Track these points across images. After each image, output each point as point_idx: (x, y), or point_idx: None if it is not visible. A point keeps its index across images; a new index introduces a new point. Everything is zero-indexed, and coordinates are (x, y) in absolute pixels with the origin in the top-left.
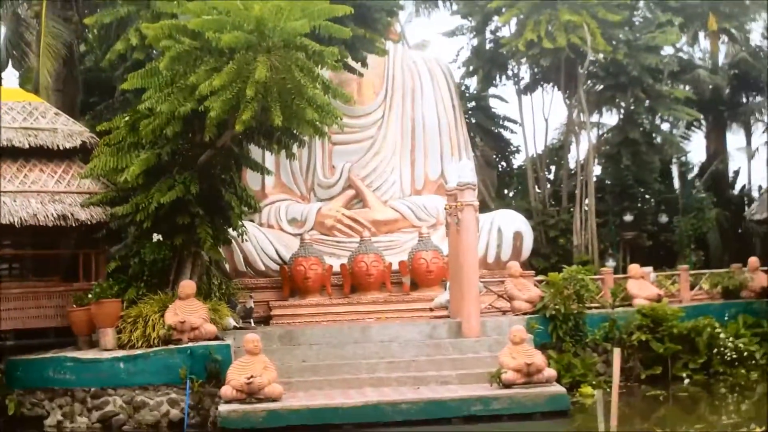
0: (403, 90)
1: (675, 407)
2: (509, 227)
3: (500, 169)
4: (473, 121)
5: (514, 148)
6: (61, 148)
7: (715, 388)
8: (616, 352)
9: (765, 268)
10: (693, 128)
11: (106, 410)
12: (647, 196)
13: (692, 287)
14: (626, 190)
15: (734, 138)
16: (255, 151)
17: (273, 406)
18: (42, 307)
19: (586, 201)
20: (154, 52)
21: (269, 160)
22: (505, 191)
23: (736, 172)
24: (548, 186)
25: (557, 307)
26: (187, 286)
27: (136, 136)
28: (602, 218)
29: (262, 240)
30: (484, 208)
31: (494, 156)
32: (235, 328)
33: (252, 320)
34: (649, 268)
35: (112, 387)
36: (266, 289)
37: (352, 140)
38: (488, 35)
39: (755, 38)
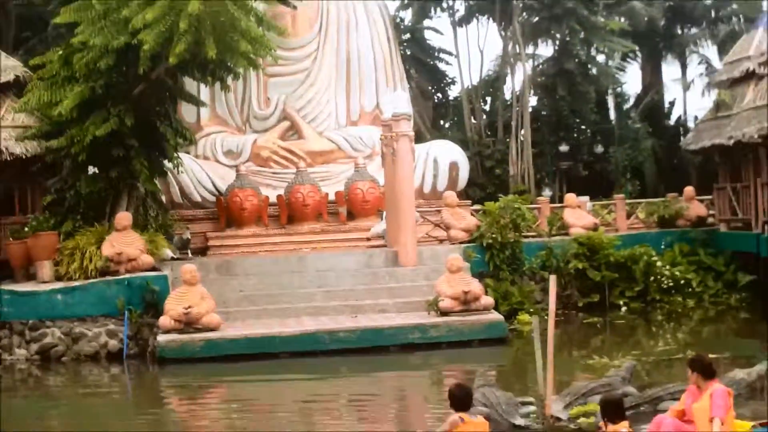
0: (338, 22)
1: (612, 334)
2: (445, 157)
3: (436, 101)
4: (408, 53)
5: (450, 80)
6: None
7: (652, 315)
8: (553, 279)
9: (700, 198)
10: (628, 59)
11: (44, 342)
12: (583, 127)
13: (628, 216)
14: (562, 120)
15: (670, 69)
16: (190, 84)
17: (211, 335)
18: None
19: (522, 132)
20: None
21: (204, 92)
22: (441, 122)
23: (672, 103)
24: (484, 117)
25: (494, 236)
26: (124, 217)
27: (69, 70)
28: (538, 148)
29: (198, 172)
30: (420, 138)
31: (430, 87)
32: (172, 259)
33: (189, 251)
34: (586, 198)
35: (50, 319)
36: (203, 221)
37: (287, 72)
38: None
39: None
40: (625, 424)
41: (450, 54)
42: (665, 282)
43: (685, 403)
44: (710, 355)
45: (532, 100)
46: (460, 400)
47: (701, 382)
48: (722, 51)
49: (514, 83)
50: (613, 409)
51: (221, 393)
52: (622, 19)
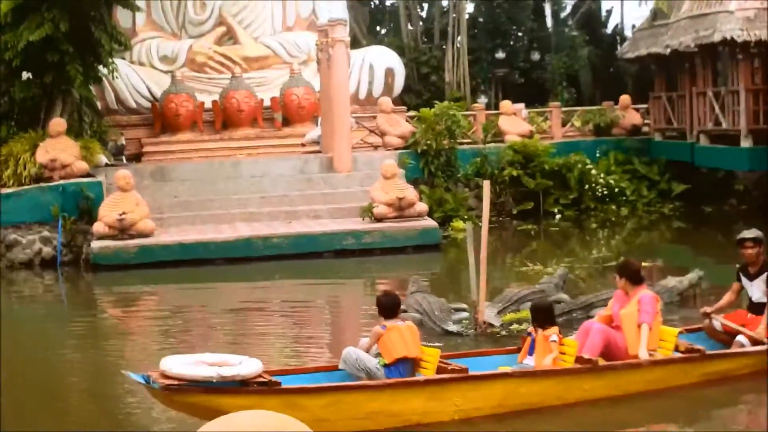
0: None
1: (546, 242)
2: (381, 64)
3: (372, 7)
4: None
5: None
6: None
7: (586, 223)
8: (486, 186)
9: (636, 106)
10: None
11: None
12: (520, 34)
13: (564, 124)
14: (499, 27)
15: None
16: None
17: (145, 242)
18: None
19: (459, 38)
20: None
21: None
22: (378, 28)
23: (609, 11)
24: (421, 23)
25: (429, 142)
26: (58, 123)
27: None
28: (474, 55)
29: (133, 77)
30: (356, 44)
31: None
32: (106, 165)
33: (124, 157)
34: (521, 105)
35: None
36: (138, 127)
37: None
38: None
39: None
40: (554, 329)
41: None
42: (599, 190)
43: (612, 308)
44: (644, 263)
45: (469, 7)
46: (388, 307)
47: (629, 287)
48: None
49: None
50: (543, 315)
51: (155, 298)
52: None
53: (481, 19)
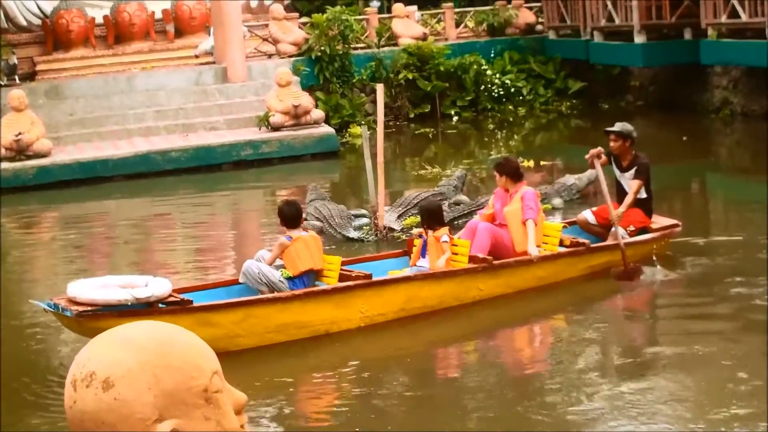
0: None
1: (444, 144)
2: None
3: None
4: None
5: None
6: None
7: (484, 124)
8: (380, 88)
9: (529, 5)
10: None
11: None
12: None
13: (457, 25)
14: None
15: None
16: None
17: (42, 162)
18: None
19: None
20: None
21: None
22: None
23: None
24: None
25: (323, 48)
26: None
27: None
28: None
29: None
30: None
31: None
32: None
33: (16, 77)
34: (414, 7)
35: None
36: (29, 45)
37: None
38: None
39: None
40: (445, 230)
41: None
42: (496, 91)
43: (494, 206)
44: (542, 162)
45: None
46: (291, 217)
47: (510, 185)
48: None
49: None
50: (432, 216)
51: (56, 218)
52: None
53: None
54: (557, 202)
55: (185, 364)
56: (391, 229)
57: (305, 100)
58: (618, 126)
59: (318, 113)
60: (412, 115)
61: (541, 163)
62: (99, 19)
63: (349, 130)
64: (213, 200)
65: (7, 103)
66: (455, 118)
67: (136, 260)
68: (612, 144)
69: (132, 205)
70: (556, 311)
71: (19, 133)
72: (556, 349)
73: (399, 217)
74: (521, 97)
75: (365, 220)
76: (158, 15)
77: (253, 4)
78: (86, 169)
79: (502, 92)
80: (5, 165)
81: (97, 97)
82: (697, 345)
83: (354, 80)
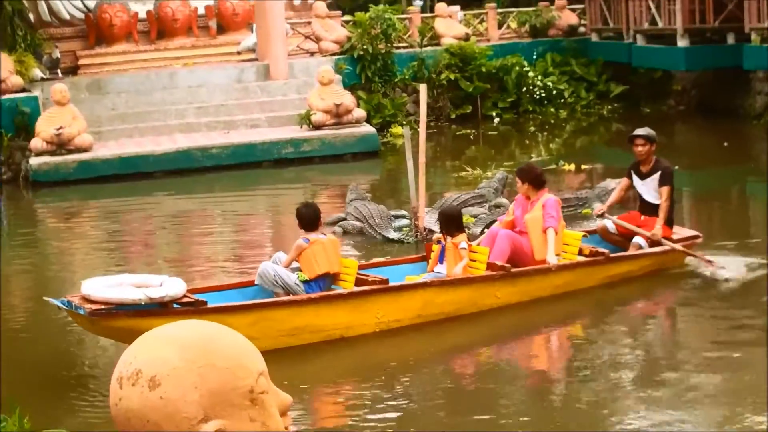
0: None
1: (485, 146)
2: None
3: None
4: None
5: None
6: None
7: (525, 126)
8: (423, 88)
9: (572, 6)
10: None
11: None
12: None
13: (500, 26)
14: None
15: None
16: None
17: (83, 156)
18: None
19: None
20: None
21: None
22: None
23: None
24: None
25: (365, 47)
26: None
27: None
28: None
29: None
30: None
31: None
32: (42, 79)
33: (59, 70)
34: (456, 7)
35: None
36: (72, 39)
37: None
38: None
39: None
40: (463, 236)
41: None
42: (537, 92)
43: (515, 213)
44: (583, 166)
45: None
46: (309, 219)
47: (531, 192)
48: None
49: None
50: (451, 222)
51: (95, 213)
52: None
53: None
54: (597, 206)
55: (231, 364)
56: (431, 231)
57: (347, 99)
58: (643, 130)
59: (359, 112)
60: (453, 116)
61: (582, 167)
62: (142, 14)
63: (390, 129)
64: (252, 198)
65: (50, 97)
66: (496, 120)
67: (171, 256)
68: (640, 149)
69: (171, 201)
70: (574, 318)
71: (61, 127)
72: (574, 356)
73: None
74: (563, 100)
75: (405, 221)
76: (201, 11)
77: (296, 1)
78: (127, 165)
79: (543, 94)
80: (46, 159)
81: (139, 92)
82: (720, 352)
83: (396, 80)
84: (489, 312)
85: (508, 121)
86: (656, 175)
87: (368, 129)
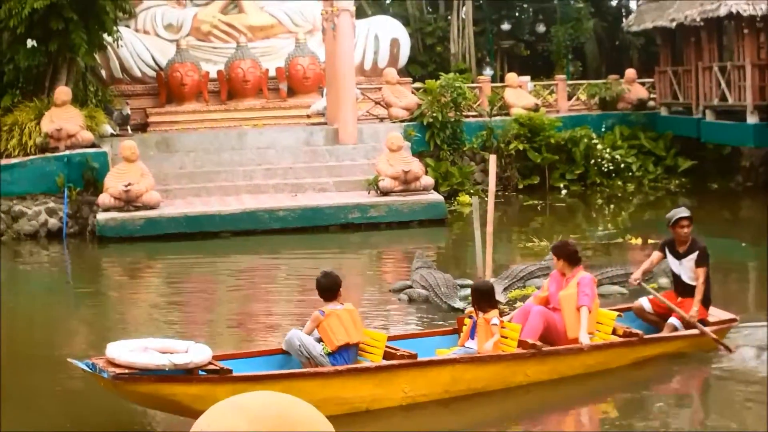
0: None
1: (551, 217)
2: (386, 34)
3: None
4: None
5: None
6: None
7: (592, 198)
8: (493, 159)
9: (641, 80)
10: None
11: None
12: (525, 5)
13: (569, 97)
14: None
15: None
16: None
17: (150, 213)
18: None
19: (464, 9)
20: None
21: None
22: None
23: None
24: None
25: (435, 114)
26: (63, 92)
27: None
28: (480, 26)
29: (137, 46)
30: (361, 14)
31: None
32: (111, 135)
33: (129, 127)
34: (527, 78)
35: None
36: (143, 96)
37: None
38: None
39: None
40: (495, 312)
41: None
42: (605, 165)
43: (549, 289)
44: (650, 240)
45: None
46: (326, 289)
47: (567, 269)
48: None
49: None
50: (483, 298)
51: (159, 270)
52: None
53: None
54: (664, 281)
55: None
56: (497, 301)
57: (415, 165)
58: (686, 211)
59: (427, 180)
60: (520, 186)
61: (649, 241)
62: (213, 74)
63: (457, 198)
64: (317, 262)
65: (119, 153)
66: (564, 191)
67: (230, 315)
68: (685, 230)
69: (236, 261)
70: (605, 397)
71: (129, 184)
72: None
73: (505, 289)
74: (630, 173)
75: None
76: (272, 73)
77: (367, 66)
78: (193, 223)
79: (611, 167)
80: (113, 215)
81: (208, 151)
82: None
83: (464, 148)
84: (518, 389)
85: (576, 192)
86: (693, 255)
87: (435, 197)
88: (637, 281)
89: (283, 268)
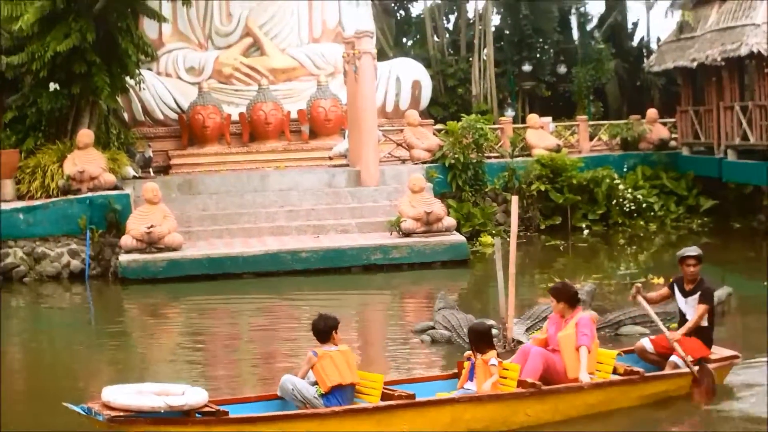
0: None
1: (574, 257)
2: (408, 76)
3: (398, 18)
4: None
5: None
6: None
7: (614, 238)
8: (514, 200)
9: (663, 120)
10: None
11: (6, 262)
12: (546, 47)
13: (591, 138)
14: (525, 39)
15: None
16: None
17: (173, 255)
18: None
19: (485, 50)
20: None
21: (166, 7)
22: (404, 40)
23: (635, 24)
24: (447, 35)
25: (456, 155)
26: (86, 135)
27: None
28: (501, 68)
29: (159, 88)
30: (382, 56)
31: (392, 4)
32: (134, 177)
33: (151, 169)
34: (548, 119)
35: (12, 239)
36: (165, 138)
37: None
38: None
39: None
40: (493, 353)
41: None
42: (627, 205)
43: (548, 331)
44: (672, 280)
45: (495, 19)
46: (320, 331)
47: (566, 311)
48: None
49: (476, 1)
50: (481, 339)
51: (181, 312)
52: None
53: (507, 32)
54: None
55: None
56: (519, 342)
57: (437, 207)
58: (695, 250)
59: (449, 221)
60: (542, 227)
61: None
62: (235, 116)
63: (479, 238)
64: (339, 303)
65: (141, 195)
66: (586, 231)
67: (252, 356)
68: (693, 269)
69: (258, 303)
70: None
71: (151, 226)
72: None
73: (527, 330)
74: (652, 213)
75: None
76: (294, 115)
77: (389, 108)
78: (216, 265)
79: (633, 207)
80: (135, 256)
81: (230, 193)
82: None
83: (486, 189)
84: (519, 430)
85: (598, 232)
86: (698, 295)
87: (458, 237)
88: (636, 294)
89: (305, 309)
